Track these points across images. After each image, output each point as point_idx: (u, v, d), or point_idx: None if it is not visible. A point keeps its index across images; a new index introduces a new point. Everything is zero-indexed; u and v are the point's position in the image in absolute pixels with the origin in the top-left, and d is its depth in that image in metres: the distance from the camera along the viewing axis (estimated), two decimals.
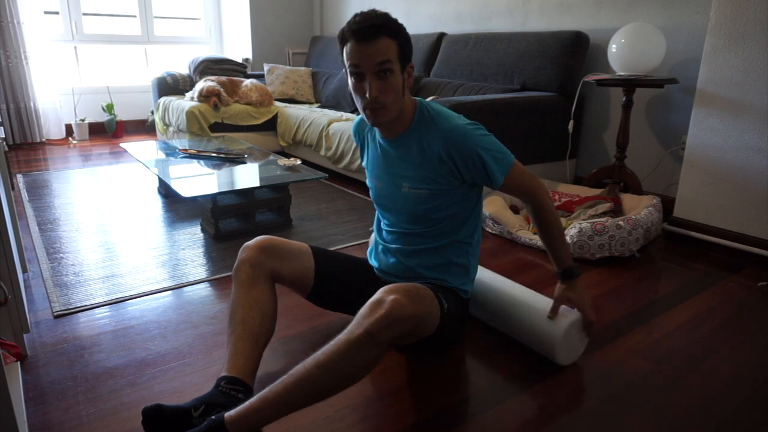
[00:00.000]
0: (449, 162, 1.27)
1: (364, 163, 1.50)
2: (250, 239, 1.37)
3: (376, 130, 1.37)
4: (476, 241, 1.43)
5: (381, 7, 4.37)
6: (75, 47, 4.64)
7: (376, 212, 1.51)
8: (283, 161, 2.63)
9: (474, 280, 1.47)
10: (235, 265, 1.33)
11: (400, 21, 1.25)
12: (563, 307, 1.39)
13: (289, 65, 5.01)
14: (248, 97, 3.86)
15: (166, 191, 2.93)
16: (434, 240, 1.37)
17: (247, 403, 1.02)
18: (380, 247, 1.50)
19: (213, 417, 1.02)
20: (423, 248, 1.38)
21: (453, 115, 1.30)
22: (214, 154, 2.76)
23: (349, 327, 1.06)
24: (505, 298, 1.51)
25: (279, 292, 1.82)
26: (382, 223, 1.49)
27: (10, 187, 2.11)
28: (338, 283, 1.45)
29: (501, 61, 3.09)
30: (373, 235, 1.55)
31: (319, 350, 1.05)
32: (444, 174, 1.29)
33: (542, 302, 1.44)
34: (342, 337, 1.05)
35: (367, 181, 1.49)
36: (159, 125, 4.16)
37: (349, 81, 1.24)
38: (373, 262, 1.53)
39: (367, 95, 1.20)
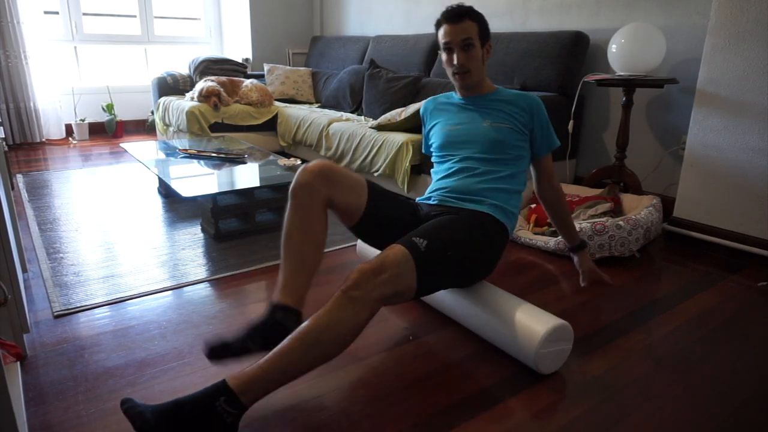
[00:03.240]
0: (527, 116, 1.61)
1: (433, 126, 1.75)
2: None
3: (453, 96, 1.72)
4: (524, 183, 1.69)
5: (381, 8, 4.39)
6: (75, 47, 4.64)
7: (435, 166, 1.73)
8: (283, 161, 2.63)
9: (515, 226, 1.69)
10: (292, 185, 1.41)
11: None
12: (544, 313, 1.39)
13: (290, 65, 5.01)
14: (248, 97, 3.86)
15: (166, 191, 2.93)
16: (503, 165, 1.60)
17: (249, 367, 1.12)
18: (437, 185, 1.66)
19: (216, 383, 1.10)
20: (489, 169, 1.59)
21: None
22: (214, 154, 2.76)
23: None
24: (482, 310, 1.49)
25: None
26: (444, 167, 1.67)
27: (10, 187, 2.11)
28: (385, 220, 1.54)
29: (501, 61, 3.09)
30: (429, 188, 1.70)
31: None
32: (522, 121, 1.61)
33: (519, 314, 1.39)
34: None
35: (436, 136, 1.72)
36: (159, 125, 4.16)
37: (442, 57, 1.63)
38: (424, 200, 1.67)
39: (455, 63, 1.56)
